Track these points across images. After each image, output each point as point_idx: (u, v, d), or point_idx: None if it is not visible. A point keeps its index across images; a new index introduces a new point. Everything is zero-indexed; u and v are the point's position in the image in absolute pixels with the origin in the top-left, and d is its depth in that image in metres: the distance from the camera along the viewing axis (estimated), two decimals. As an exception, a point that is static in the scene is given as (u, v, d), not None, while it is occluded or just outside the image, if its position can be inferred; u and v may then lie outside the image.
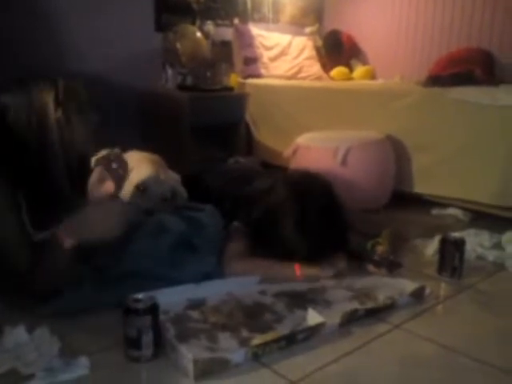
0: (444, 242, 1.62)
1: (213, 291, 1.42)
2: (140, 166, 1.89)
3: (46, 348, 1.09)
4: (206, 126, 3.00)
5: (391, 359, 1.18)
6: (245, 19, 3.73)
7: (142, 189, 1.80)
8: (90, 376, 1.07)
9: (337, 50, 3.94)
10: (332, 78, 3.75)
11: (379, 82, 3.63)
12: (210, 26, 3.51)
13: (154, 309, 1.14)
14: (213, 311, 1.33)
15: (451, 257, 1.59)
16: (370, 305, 1.38)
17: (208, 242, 1.58)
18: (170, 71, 3.22)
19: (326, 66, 3.85)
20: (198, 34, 3.31)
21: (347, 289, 1.49)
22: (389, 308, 1.39)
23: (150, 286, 1.30)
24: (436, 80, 2.63)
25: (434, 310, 1.42)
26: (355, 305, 1.37)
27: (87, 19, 2.86)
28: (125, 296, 1.17)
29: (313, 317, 1.27)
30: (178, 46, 3.22)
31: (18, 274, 1.30)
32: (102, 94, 2.93)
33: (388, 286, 1.50)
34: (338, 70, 3.78)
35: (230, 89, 3.34)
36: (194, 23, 3.42)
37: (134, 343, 1.12)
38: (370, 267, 1.61)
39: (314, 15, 4.14)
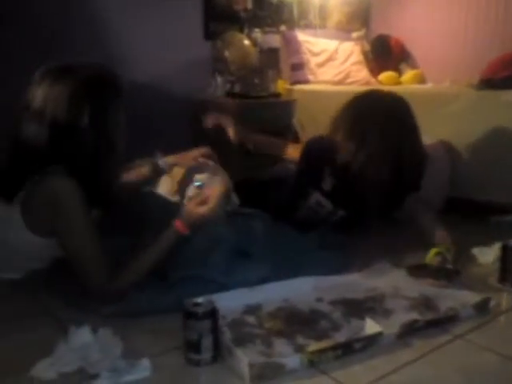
0: (505, 250, 1.57)
1: (269, 296, 1.42)
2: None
3: (109, 349, 1.12)
4: (255, 132, 3.03)
5: (452, 370, 1.15)
6: (291, 26, 3.74)
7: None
8: (152, 378, 1.09)
9: (385, 54, 3.89)
10: (380, 83, 3.69)
11: (429, 86, 3.55)
12: (257, 33, 3.53)
13: (213, 313, 1.15)
14: (269, 317, 1.33)
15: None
16: (430, 316, 1.34)
17: (261, 248, 1.59)
18: (218, 79, 3.26)
19: (374, 71, 3.81)
20: (246, 42, 3.34)
21: (406, 298, 1.46)
22: (451, 320, 1.35)
23: (206, 290, 1.32)
24: (488, 83, 2.56)
25: (496, 321, 1.38)
26: (415, 315, 1.34)
27: (138, 27, 2.93)
28: (182, 300, 1.19)
29: (371, 326, 1.25)
30: (227, 54, 3.26)
31: (98, 285, 1.36)
32: (153, 102, 3.04)
33: (450, 297, 1.46)
34: (387, 75, 3.72)
35: (278, 95, 3.35)
36: (241, 31, 3.46)
37: (194, 347, 1.13)
38: (428, 280, 1.56)
39: (360, 20, 4.11)
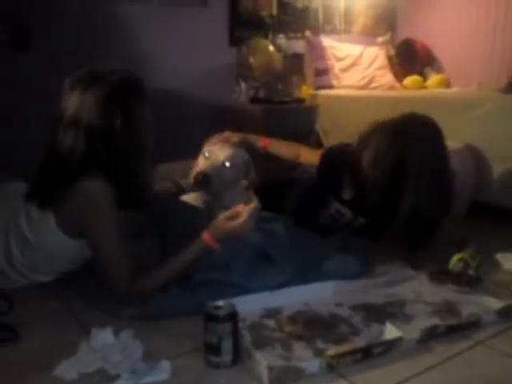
0: None
1: (288, 300, 1.42)
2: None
3: (130, 350, 1.14)
4: (278, 137, 3.03)
5: (473, 377, 1.14)
6: (316, 31, 3.73)
7: (201, 179, 1.77)
8: (171, 380, 1.11)
9: (410, 58, 3.86)
10: (405, 87, 3.68)
11: (454, 90, 3.51)
12: (282, 39, 3.55)
13: (234, 316, 1.16)
14: (289, 321, 1.34)
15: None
16: (452, 321, 1.33)
17: (284, 252, 1.59)
18: (243, 85, 3.28)
19: (399, 76, 3.78)
20: (271, 48, 3.36)
21: (427, 303, 1.45)
22: (473, 326, 1.33)
23: (227, 294, 1.33)
24: (517, 87, 2.52)
25: None
26: (436, 320, 1.33)
27: (164, 34, 2.99)
28: (202, 303, 1.20)
29: (391, 331, 1.24)
30: (251, 60, 3.28)
31: (121, 287, 1.39)
32: (179, 107, 3.08)
33: (472, 303, 1.45)
34: (412, 79, 3.70)
35: (302, 100, 3.37)
36: (266, 37, 3.48)
37: (214, 349, 1.14)
38: (449, 286, 1.55)
39: (386, 24, 4.09)
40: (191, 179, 1.80)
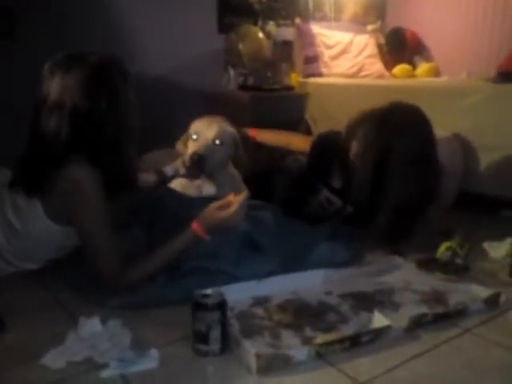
0: None
1: (277, 289, 1.42)
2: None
3: (118, 339, 1.13)
4: (267, 125, 3.02)
5: (460, 364, 1.15)
6: (306, 18, 3.70)
7: (196, 160, 1.77)
8: (159, 369, 1.10)
9: (400, 47, 3.85)
10: (394, 76, 3.66)
11: (444, 79, 3.50)
12: (271, 26, 3.51)
13: (222, 304, 1.16)
14: (277, 309, 1.34)
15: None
16: (439, 309, 1.34)
17: (272, 240, 1.59)
18: (231, 72, 3.26)
19: (388, 64, 3.76)
20: (260, 35, 3.33)
21: (416, 292, 1.46)
22: (460, 314, 1.34)
23: (215, 282, 1.32)
24: (506, 76, 2.52)
25: (505, 315, 1.37)
26: (424, 309, 1.34)
27: (153, 19, 2.94)
28: (190, 292, 1.19)
29: (379, 319, 1.24)
30: (241, 46, 3.25)
31: (108, 274, 1.38)
32: (167, 94, 3.05)
33: (460, 291, 1.46)
34: (401, 68, 3.69)
35: (291, 88, 3.34)
36: (256, 24, 3.44)
37: (203, 338, 1.14)
38: (437, 274, 1.56)
39: (376, 12, 4.06)
40: (183, 163, 1.79)
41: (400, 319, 1.26)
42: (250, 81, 3.31)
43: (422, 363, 1.15)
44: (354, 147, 1.83)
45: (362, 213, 1.88)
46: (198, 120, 1.88)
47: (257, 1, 3.47)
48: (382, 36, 3.95)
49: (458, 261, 1.61)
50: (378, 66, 3.67)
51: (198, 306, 1.14)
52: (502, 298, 1.41)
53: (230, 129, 1.88)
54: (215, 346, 1.15)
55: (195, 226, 1.41)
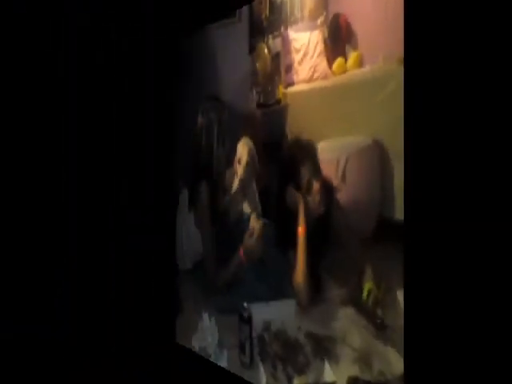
0: None
1: (277, 314, 1.56)
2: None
3: (214, 336, 1.60)
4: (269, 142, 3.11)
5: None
6: (286, 25, 3.54)
7: None
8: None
9: (336, 36, 3.54)
10: (333, 74, 3.43)
11: (365, 69, 3.12)
12: (271, 39, 3.46)
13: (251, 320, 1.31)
14: (275, 339, 1.48)
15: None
16: (367, 376, 1.45)
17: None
18: (254, 91, 3.35)
19: (330, 60, 3.53)
20: (266, 51, 3.37)
21: (352, 348, 1.53)
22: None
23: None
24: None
25: None
26: (356, 370, 1.45)
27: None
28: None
29: (328, 373, 1.42)
30: (257, 65, 3.34)
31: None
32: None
33: (383, 356, 1.49)
34: (337, 63, 3.34)
35: (279, 102, 3.33)
36: (263, 40, 3.41)
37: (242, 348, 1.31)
38: (369, 327, 1.55)
39: (322, 3, 3.70)
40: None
41: (341, 376, 1.43)
42: (262, 98, 3.36)
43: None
44: None
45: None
46: None
47: (264, 17, 3.45)
48: (326, 28, 3.63)
49: (379, 312, 1.58)
50: (323, 65, 3.52)
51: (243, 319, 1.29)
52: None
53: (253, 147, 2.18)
54: (247, 359, 1.31)
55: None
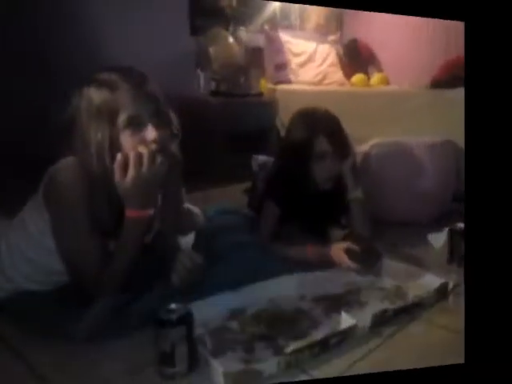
0: (451, 233, 1.76)
1: (253, 298, 1.45)
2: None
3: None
4: (237, 132, 2.98)
5: (409, 347, 1.28)
6: (274, 26, 3.81)
7: None
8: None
9: (355, 57, 4.08)
10: (352, 85, 3.87)
11: (393, 87, 3.77)
12: (242, 31, 3.53)
13: (187, 318, 1.13)
14: (251, 321, 1.34)
15: (458, 246, 1.71)
16: (400, 304, 1.43)
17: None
18: (202, 76, 3.20)
19: (347, 73, 3.98)
20: (231, 40, 3.32)
21: (380, 288, 1.55)
22: (417, 306, 1.44)
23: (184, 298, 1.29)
24: (437, 83, 3.08)
25: (452, 301, 1.51)
26: (386, 304, 1.43)
27: (124, 21, 2.85)
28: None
29: (346, 320, 1.31)
30: (211, 50, 3.22)
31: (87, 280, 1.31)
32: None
33: (417, 284, 1.56)
34: (358, 77, 3.89)
35: (261, 95, 3.38)
36: (227, 29, 3.43)
37: (168, 359, 1.11)
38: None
39: (335, 24, 4.27)
40: None
41: (365, 317, 1.33)
42: (223, 87, 3.28)
43: (380, 353, 1.25)
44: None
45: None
46: None
47: (227, 5, 3.48)
48: (340, 47, 4.15)
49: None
50: (339, 74, 3.89)
51: (163, 323, 1.12)
52: (450, 286, 1.54)
53: None
54: (182, 366, 1.13)
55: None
